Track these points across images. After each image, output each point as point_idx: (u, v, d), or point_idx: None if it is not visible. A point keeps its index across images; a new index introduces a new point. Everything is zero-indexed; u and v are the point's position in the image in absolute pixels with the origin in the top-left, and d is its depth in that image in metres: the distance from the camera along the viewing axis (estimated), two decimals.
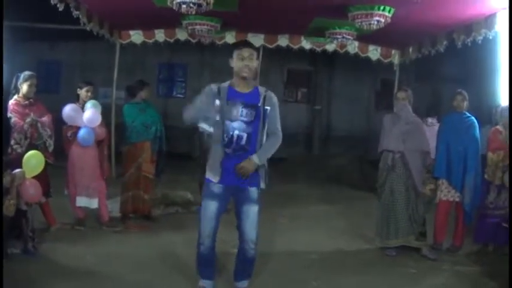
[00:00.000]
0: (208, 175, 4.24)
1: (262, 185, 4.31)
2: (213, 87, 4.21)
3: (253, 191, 4.24)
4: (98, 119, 6.32)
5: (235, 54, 4.13)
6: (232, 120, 4.09)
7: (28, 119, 5.83)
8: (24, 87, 5.90)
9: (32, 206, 5.42)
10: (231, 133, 4.09)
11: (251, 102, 4.12)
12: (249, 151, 4.13)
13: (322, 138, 16.64)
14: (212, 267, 4.50)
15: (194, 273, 5.00)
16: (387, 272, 5.47)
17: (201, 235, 4.28)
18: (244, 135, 4.09)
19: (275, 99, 4.25)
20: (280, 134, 4.29)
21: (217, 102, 4.14)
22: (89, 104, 6.34)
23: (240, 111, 4.08)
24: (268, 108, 4.17)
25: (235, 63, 4.13)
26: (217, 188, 4.21)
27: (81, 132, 6.23)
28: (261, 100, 4.15)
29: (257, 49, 4.29)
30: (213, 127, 4.28)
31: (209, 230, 4.23)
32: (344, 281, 5.15)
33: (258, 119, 4.13)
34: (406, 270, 5.56)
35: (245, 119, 4.09)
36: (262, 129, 4.17)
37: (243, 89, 4.18)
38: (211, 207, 4.21)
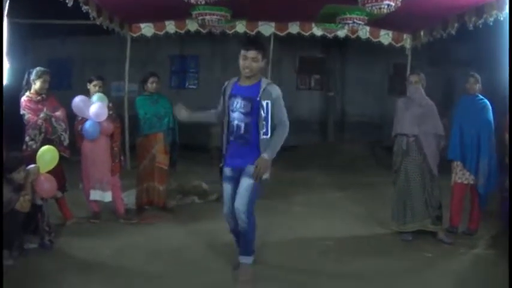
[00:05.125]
0: (222, 161, 4.73)
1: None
2: (225, 83, 4.71)
3: (250, 167, 4.46)
4: (104, 114, 6.29)
5: (241, 53, 4.47)
6: (233, 111, 4.55)
7: (42, 114, 5.87)
8: (37, 84, 5.93)
9: (47, 201, 5.47)
10: (231, 123, 4.57)
11: (248, 95, 4.49)
12: (248, 139, 4.53)
13: (336, 124, 16.57)
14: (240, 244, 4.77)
15: (210, 264, 5.05)
16: (403, 257, 5.46)
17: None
18: (242, 125, 4.52)
19: (276, 92, 4.50)
20: (287, 123, 4.54)
21: (224, 96, 4.65)
22: (95, 98, 6.34)
23: (239, 104, 4.51)
24: (268, 101, 4.44)
25: (240, 61, 4.49)
26: (228, 171, 4.65)
27: (86, 125, 6.23)
28: (260, 93, 4.45)
29: (263, 49, 4.56)
30: (221, 119, 4.74)
31: (226, 209, 4.66)
32: (360, 267, 5.15)
33: (255, 110, 4.46)
34: (422, 254, 5.54)
35: (242, 111, 4.50)
36: (261, 120, 4.44)
37: (245, 83, 4.57)
38: (226, 189, 4.66)
